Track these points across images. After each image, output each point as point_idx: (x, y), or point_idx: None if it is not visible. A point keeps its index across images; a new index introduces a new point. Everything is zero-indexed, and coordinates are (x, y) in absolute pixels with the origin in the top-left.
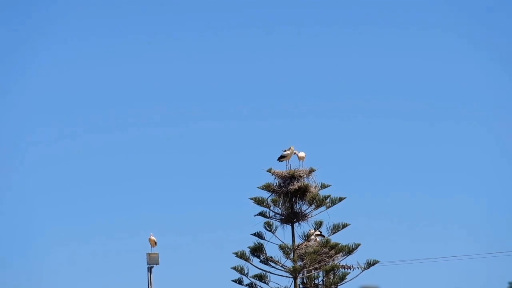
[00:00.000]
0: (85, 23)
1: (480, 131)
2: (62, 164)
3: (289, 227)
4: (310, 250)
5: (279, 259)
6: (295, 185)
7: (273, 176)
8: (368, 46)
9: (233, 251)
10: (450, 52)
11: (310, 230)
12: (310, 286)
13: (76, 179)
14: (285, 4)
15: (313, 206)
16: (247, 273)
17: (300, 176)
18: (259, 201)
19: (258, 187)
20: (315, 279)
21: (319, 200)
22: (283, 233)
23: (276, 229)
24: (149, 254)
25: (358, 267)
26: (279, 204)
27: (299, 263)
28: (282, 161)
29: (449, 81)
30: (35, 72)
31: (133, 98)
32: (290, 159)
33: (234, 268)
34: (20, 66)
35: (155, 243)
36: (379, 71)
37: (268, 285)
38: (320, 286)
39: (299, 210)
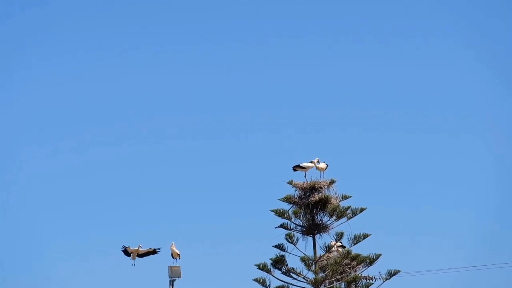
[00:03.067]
0: (81, 35)
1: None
2: (79, 177)
3: (310, 238)
4: (332, 261)
5: (301, 270)
6: (316, 196)
7: (294, 188)
8: (386, 57)
9: (255, 263)
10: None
11: (331, 241)
12: None
13: (97, 192)
14: (309, 14)
15: (334, 217)
16: (269, 285)
17: (320, 188)
18: (280, 213)
19: (279, 199)
20: None
21: (340, 212)
22: (305, 245)
23: (297, 241)
24: (170, 267)
25: (379, 278)
26: (300, 216)
27: (321, 274)
28: (297, 170)
29: (450, 93)
30: (34, 85)
31: (152, 110)
32: (309, 171)
33: (256, 280)
34: (20, 78)
35: (178, 255)
36: (399, 83)
37: None
38: None
39: (320, 222)
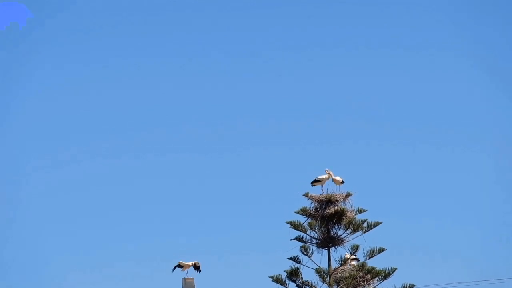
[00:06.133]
0: (81, 46)
1: None
2: (89, 189)
3: (325, 251)
4: (346, 274)
5: (315, 283)
6: (332, 209)
7: (310, 200)
8: (405, 70)
9: (270, 275)
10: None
11: (346, 254)
12: None
13: (107, 204)
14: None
15: (349, 230)
16: None
17: (336, 201)
18: (295, 225)
19: (294, 212)
20: None
21: (355, 225)
22: (319, 257)
23: (312, 253)
24: (184, 279)
25: None
26: (315, 228)
27: (335, 287)
28: (315, 185)
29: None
30: (38, 97)
31: (168, 121)
32: (325, 183)
33: None
34: (19, 90)
35: (192, 266)
36: (415, 97)
37: None
38: None
39: (336, 235)
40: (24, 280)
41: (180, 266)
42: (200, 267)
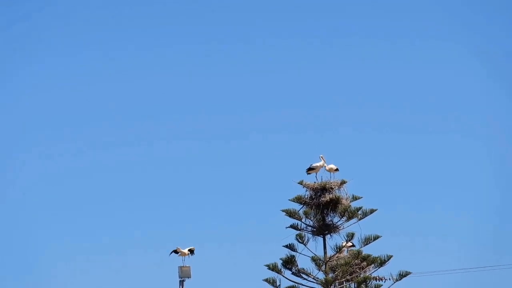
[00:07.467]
0: (78, 38)
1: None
2: (86, 178)
3: (320, 239)
4: (342, 261)
5: (311, 271)
6: (327, 197)
7: (305, 188)
8: (399, 60)
9: (265, 263)
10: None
11: (342, 242)
12: None
13: (102, 194)
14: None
15: (344, 218)
16: (279, 285)
17: (331, 188)
18: (290, 213)
19: (289, 200)
20: None
21: (350, 212)
22: (315, 245)
23: (308, 241)
24: (180, 268)
25: (390, 279)
26: (310, 216)
27: (331, 275)
28: (310, 173)
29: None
30: (33, 88)
31: (165, 110)
32: (319, 171)
33: (266, 280)
34: (19, 80)
35: (189, 252)
36: (408, 85)
37: None
38: None
39: (331, 222)
40: (16, 269)
41: (176, 252)
42: (194, 251)
